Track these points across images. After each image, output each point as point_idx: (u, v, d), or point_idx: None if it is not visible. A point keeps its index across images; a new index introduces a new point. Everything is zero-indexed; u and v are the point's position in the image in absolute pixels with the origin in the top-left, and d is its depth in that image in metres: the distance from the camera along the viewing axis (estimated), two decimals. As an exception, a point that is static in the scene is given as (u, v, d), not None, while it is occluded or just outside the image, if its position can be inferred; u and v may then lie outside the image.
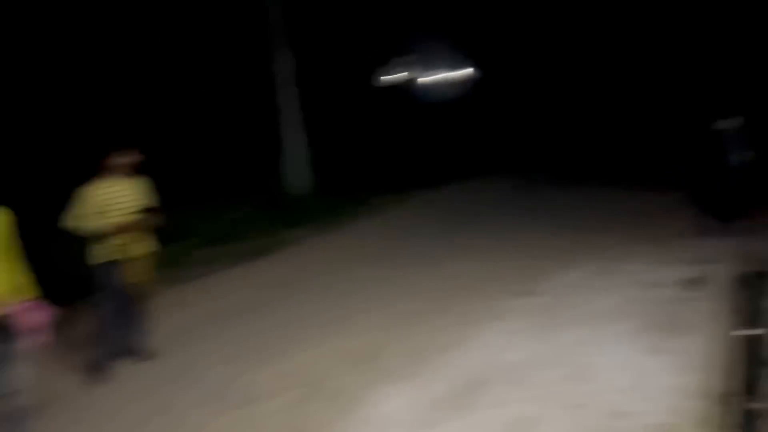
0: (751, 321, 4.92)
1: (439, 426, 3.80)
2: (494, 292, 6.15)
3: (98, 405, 4.37)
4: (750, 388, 3.94)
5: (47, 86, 9.99)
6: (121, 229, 4.66)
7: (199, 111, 11.57)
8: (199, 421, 4.03)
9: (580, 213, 9.68)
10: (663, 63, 15.19)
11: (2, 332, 3.19)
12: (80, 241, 4.69)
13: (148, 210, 4.84)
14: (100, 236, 4.65)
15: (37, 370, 3.36)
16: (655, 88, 15.11)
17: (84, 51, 10.23)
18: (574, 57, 16.73)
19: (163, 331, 5.61)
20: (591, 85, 16.39)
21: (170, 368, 4.87)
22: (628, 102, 15.59)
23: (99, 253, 4.69)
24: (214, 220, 8.84)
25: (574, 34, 16.40)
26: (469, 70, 20.07)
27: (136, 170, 4.86)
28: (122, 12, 10.31)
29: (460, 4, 16.28)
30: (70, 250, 4.92)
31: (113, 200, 4.68)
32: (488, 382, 4.30)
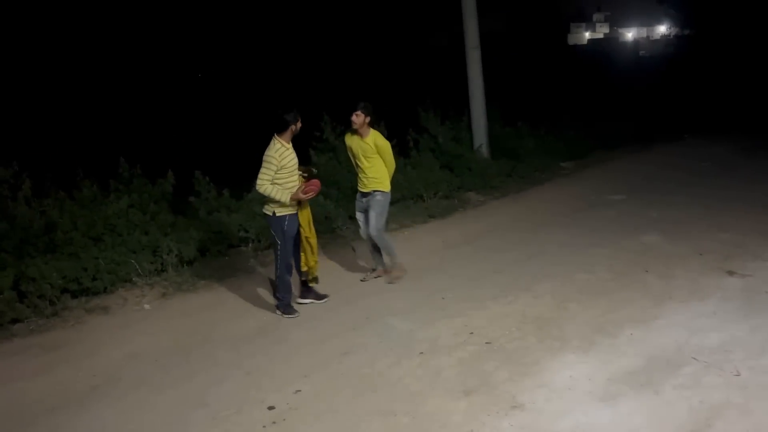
0: None
1: (619, 400, 3.71)
2: (692, 269, 5.72)
3: (291, 339, 4.90)
4: None
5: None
6: (310, 186, 5.21)
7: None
8: (385, 365, 4.34)
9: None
10: None
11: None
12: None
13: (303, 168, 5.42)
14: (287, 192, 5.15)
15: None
16: None
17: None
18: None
19: (349, 280, 6.10)
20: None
21: (355, 315, 5.25)
22: None
23: (285, 206, 5.18)
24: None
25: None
26: (671, 27, 18.59)
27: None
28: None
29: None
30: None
31: (293, 161, 5.21)
32: (677, 363, 4.09)
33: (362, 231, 5.98)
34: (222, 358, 4.63)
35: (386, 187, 5.81)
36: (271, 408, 3.88)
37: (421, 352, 4.47)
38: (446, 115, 10.48)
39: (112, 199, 6.64)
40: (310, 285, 5.65)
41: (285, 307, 5.32)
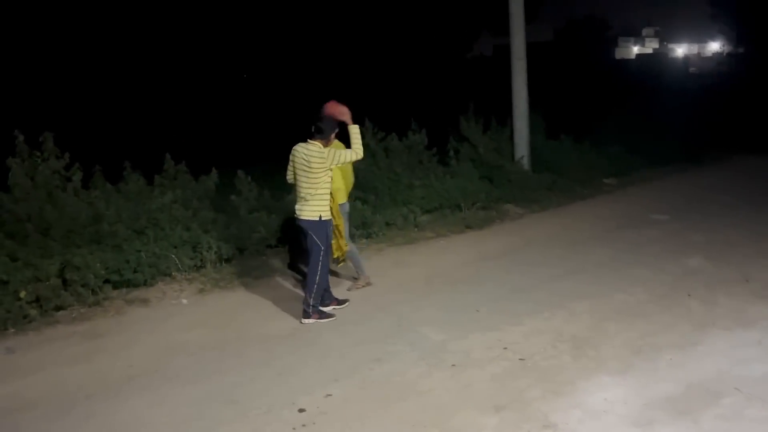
0: None
1: (655, 427, 3.61)
2: (737, 295, 5.54)
3: (322, 342, 4.91)
4: None
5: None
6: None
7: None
8: (416, 375, 4.32)
9: None
10: None
11: None
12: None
13: None
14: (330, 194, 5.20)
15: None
16: None
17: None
18: None
19: (383, 287, 6.10)
20: None
21: (387, 322, 5.24)
22: None
23: (327, 209, 5.18)
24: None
25: None
26: (724, 44, 18.26)
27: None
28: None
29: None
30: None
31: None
32: (717, 392, 3.96)
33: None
34: (254, 356, 4.68)
35: (344, 198, 5.81)
36: (301, 410, 3.90)
37: (453, 364, 4.44)
38: (488, 125, 10.42)
39: (157, 194, 6.81)
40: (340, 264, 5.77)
41: (320, 312, 5.33)
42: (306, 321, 5.24)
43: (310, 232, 5.15)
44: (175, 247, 6.31)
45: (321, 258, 5.17)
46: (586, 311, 5.31)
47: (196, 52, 24.40)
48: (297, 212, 5.18)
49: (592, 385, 4.09)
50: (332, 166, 5.09)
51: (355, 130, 5.12)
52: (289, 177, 5.29)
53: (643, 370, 4.28)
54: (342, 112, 5.12)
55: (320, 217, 5.10)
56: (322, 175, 5.04)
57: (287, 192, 7.55)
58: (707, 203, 9.26)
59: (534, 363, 4.43)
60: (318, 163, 5.00)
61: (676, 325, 4.99)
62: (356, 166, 8.46)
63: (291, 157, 5.19)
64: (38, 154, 6.16)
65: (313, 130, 5.09)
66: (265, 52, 26.13)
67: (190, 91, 22.17)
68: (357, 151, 5.11)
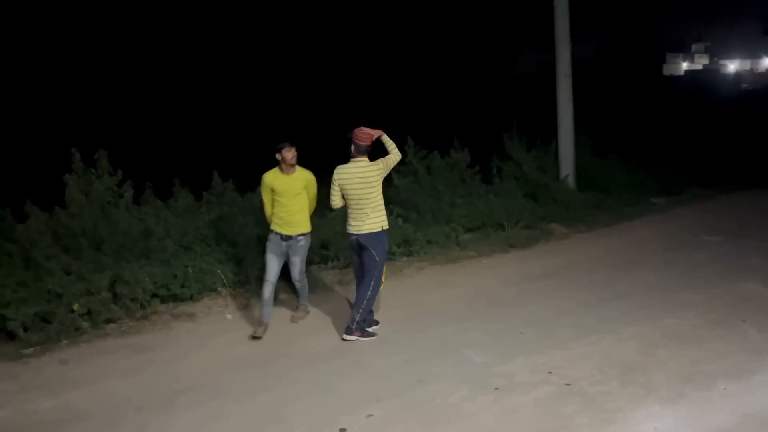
0: None
1: (711, 460, 3.47)
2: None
3: (365, 361, 4.90)
4: None
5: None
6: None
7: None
8: (459, 398, 4.27)
9: None
10: None
11: None
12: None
13: None
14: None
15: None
16: None
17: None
18: None
19: (424, 307, 6.06)
20: None
21: (430, 343, 5.20)
22: None
23: (386, 220, 5.33)
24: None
25: None
26: None
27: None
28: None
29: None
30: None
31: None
32: (778, 425, 3.78)
33: (272, 275, 5.43)
34: (298, 374, 4.71)
35: (309, 227, 5.56)
36: (342, 430, 3.90)
37: (497, 388, 4.37)
38: (532, 143, 10.32)
39: (204, 211, 6.97)
40: None
41: (363, 330, 5.32)
42: (348, 338, 5.25)
43: (370, 247, 5.22)
44: (221, 263, 6.43)
45: (377, 274, 5.24)
46: (634, 336, 5.17)
47: (245, 73, 25.07)
48: (355, 229, 5.24)
49: (642, 414, 3.97)
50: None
51: (386, 138, 5.36)
52: (337, 201, 5.34)
53: (696, 400, 4.13)
54: (375, 131, 5.29)
55: (382, 227, 5.25)
56: (379, 186, 5.25)
57: (329, 209, 7.63)
58: (764, 225, 8.92)
59: (580, 388, 4.32)
60: (378, 175, 5.20)
61: (731, 353, 4.80)
62: (398, 183, 8.56)
63: (337, 181, 5.26)
64: (93, 171, 6.40)
65: (355, 150, 5.21)
66: (310, 71, 26.61)
67: (239, 111, 22.77)
68: (395, 152, 5.36)
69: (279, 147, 5.37)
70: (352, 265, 5.69)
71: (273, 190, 5.43)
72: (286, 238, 5.42)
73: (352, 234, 5.27)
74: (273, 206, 5.47)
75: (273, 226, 5.48)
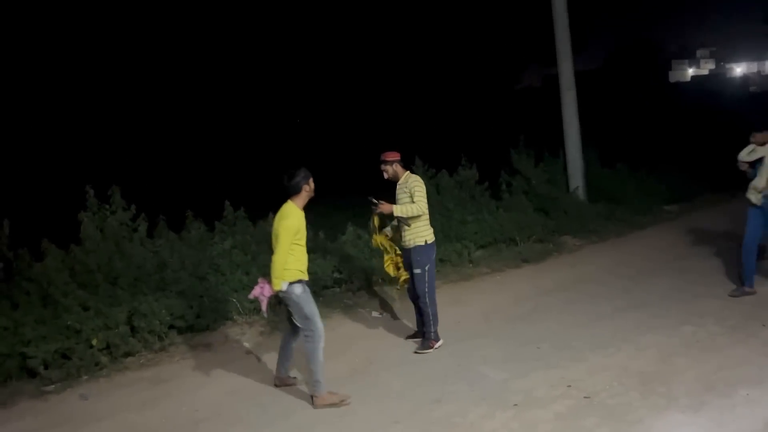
0: None
1: (737, 469, 3.42)
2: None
3: (381, 382, 4.90)
4: None
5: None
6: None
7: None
8: (478, 416, 4.25)
9: None
10: None
11: None
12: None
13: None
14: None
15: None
16: None
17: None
18: None
19: (439, 326, 6.04)
20: None
21: (446, 361, 5.19)
22: None
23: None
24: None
25: None
26: None
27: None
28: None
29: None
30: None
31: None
32: (803, 430, 3.72)
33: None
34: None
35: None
36: (362, 453, 3.89)
37: (515, 404, 4.34)
38: (540, 156, 10.33)
39: (217, 241, 7.03)
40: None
41: (429, 342, 5.46)
42: (424, 351, 5.41)
43: (416, 261, 5.41)
44: (236, 291, 6.47)
45: (429, 286, 5.42)
46: (652, 345, 5.12)
47: (254, 101, 25.43)
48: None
49: (664, 424, 3.93)
50: None
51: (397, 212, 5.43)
52: None
53: (718, 407, 4.08)
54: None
55: (426, 241, 5.38)
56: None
57: (341, 233, 7.69)
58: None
59: (600, 401, 4.28)
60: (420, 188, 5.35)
61: (752, 358, 4.74)
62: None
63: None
64: (107, 207, 6.50)
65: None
66: (318, 96, 26.92)
67: (246, 136, 23.06)
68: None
69: (307, 175, 4.61)
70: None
71: (298, 232, 4.53)
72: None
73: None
74: (289, 253, 4.56)
75: (300, 275, 4.67)
